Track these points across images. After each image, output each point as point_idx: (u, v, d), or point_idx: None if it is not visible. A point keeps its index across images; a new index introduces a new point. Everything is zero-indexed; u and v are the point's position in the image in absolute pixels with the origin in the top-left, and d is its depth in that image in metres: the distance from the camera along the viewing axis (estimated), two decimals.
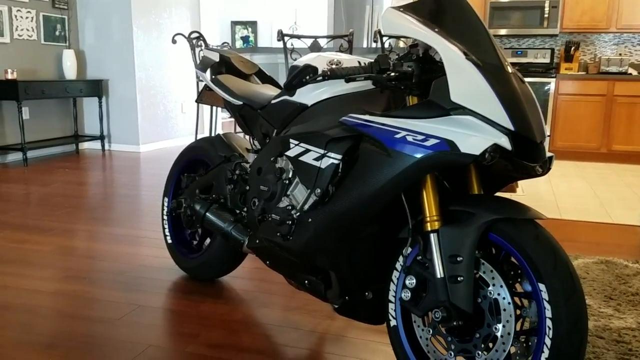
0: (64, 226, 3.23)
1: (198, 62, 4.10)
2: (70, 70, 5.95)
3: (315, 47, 3.33)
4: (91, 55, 6.34)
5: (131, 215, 3.49)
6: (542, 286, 1.27)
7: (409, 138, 1.39)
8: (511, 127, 1.31)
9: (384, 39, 3.26)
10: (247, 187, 2.01)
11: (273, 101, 1.96)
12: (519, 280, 1.40)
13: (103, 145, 6.37)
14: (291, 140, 1.74)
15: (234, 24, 11.59)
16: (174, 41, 4.17)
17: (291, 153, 1.74)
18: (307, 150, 1.68)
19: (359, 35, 6.34)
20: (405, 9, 1.52)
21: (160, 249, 2.81)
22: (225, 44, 5.21)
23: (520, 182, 4.74)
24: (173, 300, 2.21)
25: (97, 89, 6.18)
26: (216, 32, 7.54)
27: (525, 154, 1.36)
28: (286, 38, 3.45)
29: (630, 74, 5.91)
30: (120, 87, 6.31)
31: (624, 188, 4.61)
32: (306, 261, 1.73)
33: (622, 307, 2.15)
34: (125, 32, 6.15)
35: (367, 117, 1.51)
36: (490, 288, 1.35)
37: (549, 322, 1.25)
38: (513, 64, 6.49)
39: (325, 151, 1.61)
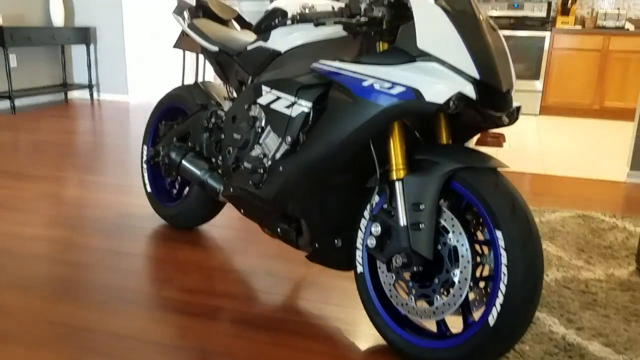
0: (49, 174, 3.23)
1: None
2: (57, 16, 5.82)
3: None
4: (79, 2, 6.19)
5: (117, 164, 3.49)
6: (499, 233, 1.29)
7: (376, 86, 1.38)
8: (477, 76, 1.30)
9: None
10: (222, 136, 2.00)
11: (249, 47, 1.93)
12: (480, 228, 1.43)
13: (92, 95, 6.30)
14: (263, 87, 1.73)
15: None
16: None
17: (263, 100, 1.72)
18: (279, 98, 1.66)
19: None
20: None
21: (142, 198, 2.82)
22: None
23: (507, 137, 4.73)
24: (150, 247, 2.24)
25: (85, 36, 6.06)
26: None
27: (491, 103, 1.36)
28: None
29: (627, 29, 5.81)
30: (108, 34, 6.19)
31: (612, 144, 4.61)
32: (278, 209, 1.74)
33: (593, 259, 2.18)
34: None
35: (337, 63, 1.49)
36: (449, 235, 1.37)
37: (504, 269, 1.28)
38: (509, 17, 6.37)
39: (296, 99, 1.60)
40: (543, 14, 6.33)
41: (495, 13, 6.46)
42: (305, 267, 2.09)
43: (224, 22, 2.30)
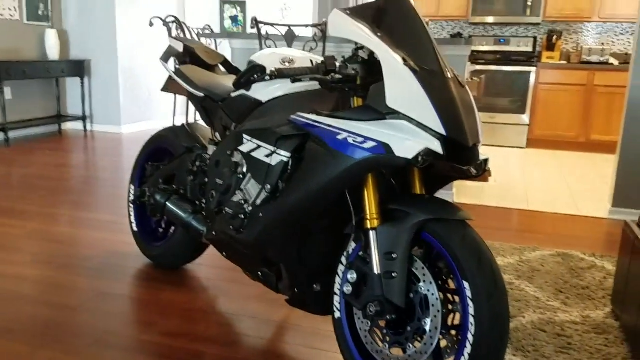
0: (39, 210, 3.27)
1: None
2: (53, 50, 5.92)
3: (289, 36, 3.34)
4: (74, 35, 6.31)
5: (107, 200, 3.53)
6: (466, 284, 1.33)
7: (350, 140, 1.43)
8: (443, 132, 1.36)
9: None
10: (206, 179, 2.05)
11: (232, 95, 1.99)
12: (451, 277, 1.47)
13: (85, 126, 6.37)
14: (244, 136, 1.79)
15: (223, 3, 11.49)
16: (150, 24, 4.17)
17: (244, 148, 1.78)
18: (259, 147, 1.72)
19: None
20: (352, 12, 1.56)
21: (130, 236, 2.86)
22: (207, 27, 5.20)
23: (493, 171, 4.81)
24: (135, 288, 2.27)
25: (79, 69, 6.16)
26: (204, 11, 7.49)
27: (458, 157, 1.41)
28: (260, 25, 3.46)
29: (612, 64, 5.95)
30: (102, 67, 6.29)
31: (596, 179, 4.69)
32: (258, 254, 1.78)
33: (570, 300, 2.22)
34: (108, 12, 6.11)
35: (313, 116, 1.55)
36: (421, 284, 1.41)
37: (471, 319, 1.32)
38: (495, 52, 6.52)
39: (275, 148, 1.66)
40: (529, 49, 6.48)
41: (482, 48, 6.61)
42: (288, 310, 2.12)
43: (211, 67, 2.37)
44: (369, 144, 1.40)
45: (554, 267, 2.56)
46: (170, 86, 2.44)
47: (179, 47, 2.30)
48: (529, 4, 6.14)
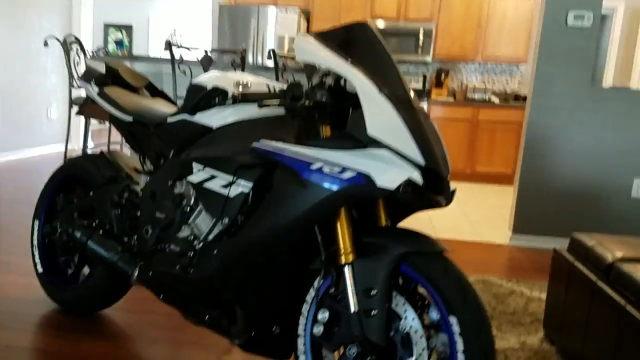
0: None
1: (73, 68, 3.77)
2: None
3: (205, 61, 3.20)
4: None
5: None
6: (453, 319, 1.29)
7: (326, 169, 1.36)
8: (422, 162, 1.33)
9: (277, 58, 3.22)
10: (138, 213, 1.85)
11: (169, 119, 1.83)
12: (426, 310, 1.42)
13: None
14: (195, 165, 1.63)
15: (107, 26, 10.93)
16: (45, 44, 3.80)
17: (194, 178, 1.63)
18: (213, 177, 1.58)
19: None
20: (318, 36, 1.50)
21: (29, 277, 2.49)
22: (101, 49, 4.86)
23: None
24: (46, 338, 1.97)
25: None
26: (88, 34, 7.02)
27: (433, 187, 1.39)
28: (174, 48, 3.29)
29: (493, 102, 6.46)
30: None
31: (489, 208, 4.99)
32: (209, 295, 1.62)
33: (503, 327, 2.28)
34: None
35: (280, 144, 1.45)
36: (403, 321, 1.35)
37: (460, 356, 1.27)
38: None
39: (235, 178, 1.53)
40: (419, 85, 6.85)
41: None
42: (227, 355, 1.95)
43: (135, 90, 2.17)
44: (348, 174, 1.33)
45: (480, 294, 2.63)
46: (87, 110, 2.20)
47: (101, 68, 2.08)
48: (420, 44, 6.50)
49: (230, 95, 1.48)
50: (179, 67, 3.29)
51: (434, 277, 1.32)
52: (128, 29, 10.99)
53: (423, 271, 1.33)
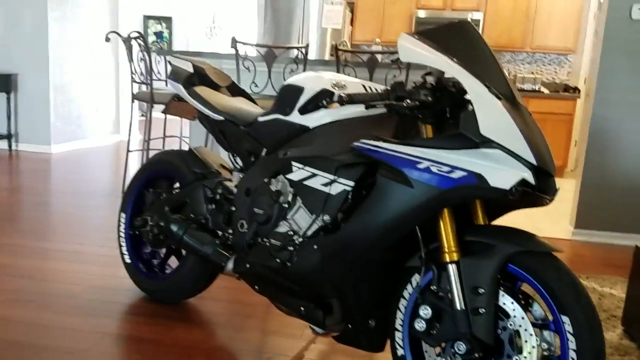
0: None
1: (136, 64, 3.87)
2: None
3: (269, 57, 3.25)
4: (0, 47, 5.78)
5: (61, 227, 3.21)
6: (565, 318, 1.31)
7: (434, 169, 1.39)
8: (534, 162, 1.35)
9: (340, 54, 3.25)
10: (233, 208, 1.91)
11: (261, 119, 1.88)
12: (529, 308, 1.45)
13: (10, 145, 5.82)
14: (294, 164, 1.68)
15: (147, 18, 11.10)
16: (107, 39, 3.90)
17: (294, 176, 1.68)
18: (314, 175, 1.63)
19: (287, 42, 6.30)
20: (421, 35, 1.52)
21: (108, 267, 2.61)
22: (156, 44, 4.95)
23: None
24: (139, 326, 2.06)
25: (6, 83, 5.64)
26: (131, 26, 7.17)
27: (542, 187, 1.41)
28: (238, 45, 3.34)
29: (542, 92, 6.36)
30: (31, 81, 5.80)
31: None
32: (306, 287, 1.68)
33: None
34: (40, 24, 5.67)
35: (382, 143, 1.49)
36: (511, 319, 1.38)
37: (572, 354, 1.30)
38: None
39: (336, 177, 1.57)
40: None
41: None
42: (312, 344, 2.01)
43: (217, 89, 2.23)
44: (458, 174, 1.36)
45: None
46: (172, 108, 2.28)
47: (188, 67, 2.15)
48: None
49: (336, 97, 1.52)
50: (242, 64, 3.35)
51: (545, 277, 1.34)
52: (167, 20, 11.14)
53: (533, 271, 1.36)
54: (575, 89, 6.41)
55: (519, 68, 6.83)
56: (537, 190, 1.39)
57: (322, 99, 1.56)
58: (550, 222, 4.09)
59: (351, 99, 1.49)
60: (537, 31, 6.41)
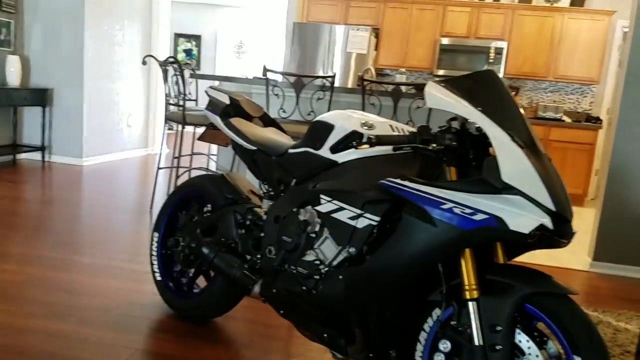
0: (29, 252, 3.05)
1: (170, 87, 4.03)
2: (13, 76, 5.62)
3: (298, 85, 3.38)
4: (37, 62, 6.02)
5: (98, 241, 3.35)
6: (577, 358, 1.38)
7: (456, 210, 1.47)
8: (553, 208, 1.43)
9: (365, 84, 3.36)
10: (262, 234, 2.02)
11: (292, 150, 1.99)
12: (544, 346, 1.52)
13: (43, 157, 6.03)
14: (322, 196, 1.78)
15: (177, 36, 11.40)
16: (144, 62, 4.07)
17: (323, 208, 1.78)
18: (342, 208, 1.73)
19: (312, 69, 6.45)
20: (446, 84, 1.62)
21: (141, 283, 2.73)
22: (188, 66, 5.13)
23: None
24: (170, 343, 2.17)
25: (42, 97, 5.87)
26: (164, 44, 7.40)
27: (559, 231, 1.49)
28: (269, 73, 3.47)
29: (564, 120, 6.40)
30: (66, 96, 6.03)
31: None
32: (330, 315, 1.77)
33: None
34: (76, 40, 5.90)
35: (408, 183, 1.58)
36: (526, 356, 1.45)
37: None
38: None
39: (362, 211, 1.67)
40: None
41: None
42: None
43: (251, 119, 2.35)
44: (479, 216, 1.44)
45: None
46: (208, 136, 2.41)
47: (225, 99, 2.27)
48: (491, 60, 6.53)
49: (365, 139, 1.63)
50: (272, 90, 3.48)
51: (560, 317, 1.41)
52: (197, 38, 11.43)
53: (549, 311, 1.43)
54: (598, 119, 6.43)
55: (541, 96, 6.88)
56: (554, 235, 1.47)
57: (352, 139, 1.67)
58: (569, 253, 4.12)
59: (380, 141, 1.59)
60: (561, 60, 6.47)
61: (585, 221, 5.27)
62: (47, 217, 3.80)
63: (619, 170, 3.64)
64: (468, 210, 1.46)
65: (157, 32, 7.23)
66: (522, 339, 1.47)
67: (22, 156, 6.14)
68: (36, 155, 6.11)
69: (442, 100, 1.57)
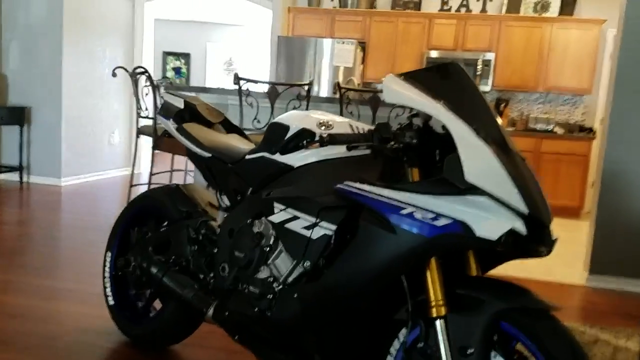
0: None
1: (141, 98, 3.87)
2: None
3: (272, 93, 3.21)
4: (15, 80, 5.86)
5: (59, 263, 3.14)
6: None
7: (417, 215, 1.29)
8: (525, 210, 1.25)
9: (342, 91, 3.20)
10: (215, 250, 1.83)
11: (248, 157, 1.81)
12: None
13: (21, 177, 5.84)
14: (276, 204, 1.60)
15: (166, 54, 11.30)
16: (114, 74, 3.92)
17: (276, 218, 1.59)
18: (296, 217, 1.54)
19: (300, 80, 6.31)
20: (407, 77, 1.45)
21: (97, 307, 2.51)
22: (165, 80, 4.99)
23: None
24: None
25: (19, 116, 5.70)
26: (149, 62, 7.27)
27: (535, 238, 1.30)
28: (241, 82, 3.32)
29: (556, 132, 6.24)
30: (44, 114, 5.85)
31: (558, 243, 4.76)
32: (287, 339, 1.57)
33: None
34: (54, 58, 5.75)
35: (366, 186, 1.40)
36: None
37: None
38: None
39: (318, 220, 1.48)
40: None
41: None
42: None
43: (211, 125, 2.18)
44: (442, 221, 1.26)
45: None
46: (163, 144, 2.23)
47: (179, 104, 2.10)
48: (479, 73, 6.39)
49: (317, 137, 1.45)
50: (245, 100, 3.31)
51: (541, 337, 1.22)
52: (186, 57, 11.33)
53: (527, 330, 1.24)
54: (591, 130, 6.28)
55: (532, 108, 6.73)
56: (529, 242, 1.28)
57: (303, 139, 1.49)
58: (564, 267, 3.92)
59: (333, 140, 1.41)
60: (551, 71, 6.33)
61: (582, 234, 5.08)
62: (14, 238, 3.60)
63: (612, 178, 3.46)
64: (430, 215, 1.28)
65: (140, 48, 7.10)
66: None
67: (0, 177, 5.95)
68: (14, 176, 5.92)
69: (401, 95, 1.40)
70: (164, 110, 2.10)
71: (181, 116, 2.10)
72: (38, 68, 5.81)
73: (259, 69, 10.84)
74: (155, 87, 3.68)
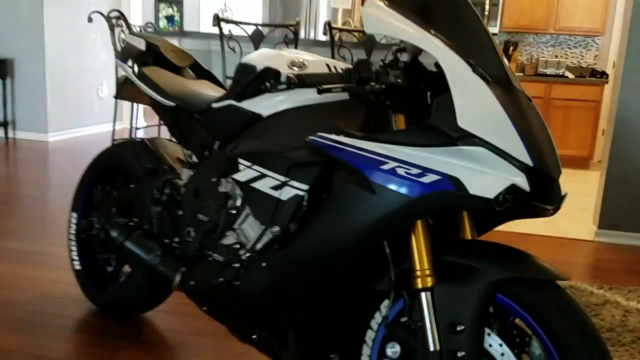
0: None
1: (119, 46, 3.60)
2: None
3: (256, 36, 2.94)
4: None
5: (34, 224, 2.96)
6: None
7: (400, 171, 1.07)
8: (530, 163, 1.03)
9: (334, 32, 2.92)
10: (180, 212, 1.62)
11: (215, 105, 1.57)
12: (526, 348, 1.13)
13: (7, 133, 5.63)
14: (241, 161, 1.38)
15: (158, 1, 10.84)
16: (89, 19, 3.64)
17: (241, 177, 1.38)
18: (263, 176, 1.33)
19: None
20: (392, 3, 1.20)
21: (67, 272, 2.34)
22: (149, 25, 4.69)
23: None
24: (82, 347, 1.79)
25: (1, 69, 5.43)
26: (139, 9, 6.91)
27: (541, 194, 1.08)
28: (222, 24, 3.04)
29: (567, 76, 5.92)
30: (27, 67, 5.57)
31: (569, 195, 4.55)
32: (257, 313, 1.39)
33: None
34: (34, 6, 5.42)
35: (342, 138, 1.18)
36: None
37: None
38: None
39: (287, 179, 1.27)
40: None
41: None
42: None
43: (178, 70, 1.93)
44: (430, 178, 1.04)
45: None
46: (125, 92, 1.99)
47: (140, 45, 1.85)
48: (486, 13, 6.02)
49: (283, 77, 1.21)
50: (227, 44, 3.04)
51: (543, 313, 1.02)
52: (179, 4, 10.86)
53: (529, 306, 1.04)
54: (603, 74, 5.94)
55: (541, 51, 6.38)
56: (534, 200, 1.07)
57: (265, 80, 1.25)
58: (572, 220, 3.71)
59: (302, 81, 1.17)
60: (562, 11, 5.95)
61: (590, 186, 4.85)
62: None
63: (625, 125, 3.20)
64: (415, 171, 1.06)
65: None
66: (494, 343, 1.08)
67: None
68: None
69: (383, 23, 1.16)
70: (124, 53, 1.86)
71: (143, 60, 1.85)
72: (18, 18, 5.49)
73: (257, 16, 10.41)
74: (132, 32, 3.40)
